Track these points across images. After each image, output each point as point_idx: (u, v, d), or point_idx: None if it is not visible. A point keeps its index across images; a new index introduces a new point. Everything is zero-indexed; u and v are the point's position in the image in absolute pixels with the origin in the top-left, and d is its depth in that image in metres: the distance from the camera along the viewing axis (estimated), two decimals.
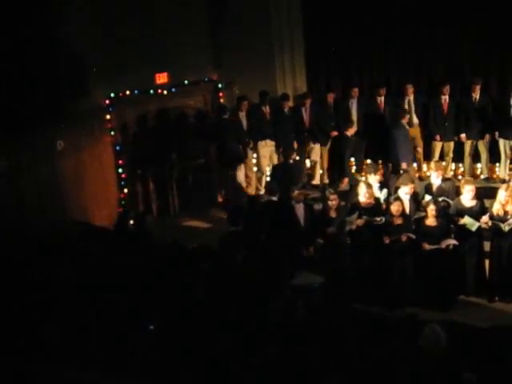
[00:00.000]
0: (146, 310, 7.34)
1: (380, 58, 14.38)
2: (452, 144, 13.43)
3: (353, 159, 14.01)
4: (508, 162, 12.94)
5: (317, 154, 13.97)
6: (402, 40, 13.98)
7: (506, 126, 12.63)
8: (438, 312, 9.33)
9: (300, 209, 10.45)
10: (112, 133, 12.86)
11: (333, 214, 10.22)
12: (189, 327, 6.94)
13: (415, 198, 10.60)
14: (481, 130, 13.12)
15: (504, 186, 10.05)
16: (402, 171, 12.09)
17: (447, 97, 13.16)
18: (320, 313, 7.91)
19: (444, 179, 11.18)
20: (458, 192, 10.52)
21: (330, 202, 10.26)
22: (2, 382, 6.24)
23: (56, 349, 6.65)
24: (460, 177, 13.39)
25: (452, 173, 13.68)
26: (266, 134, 13.61)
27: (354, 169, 14.07)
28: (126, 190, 13.14)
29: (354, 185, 11.77)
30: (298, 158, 13.52)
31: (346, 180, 12.91)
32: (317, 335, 6.93)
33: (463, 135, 13.24)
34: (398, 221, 9.92)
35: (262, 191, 13.57)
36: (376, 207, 10.30)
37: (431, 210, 9.80)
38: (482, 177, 13.46)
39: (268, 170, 13.82)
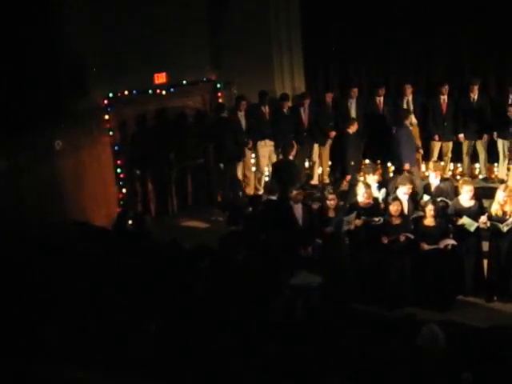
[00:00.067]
0: (146, 309, 7.34)
1: (378, 58, 14.41)
2: (451, 144, 13.46)
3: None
4: (506, 162, 12.96)
5: (316, 153, 14.00)
6: (401, 40, 14.01)
7: (505, 126, 12.66)
8: (436, 312, 9.33)
9: (298, 209, 10.44)
10: (110, 133, 12.84)
11: (331, 214, 10.23)
12: (189, 327, 6.95)
13: (413, 198, 10.62)
14: (479, 130, 13.15)
15: (502, 186, 10.07)
16: (405, 172, 12.12)
17: (446, 97, 13.19)
18: (319, 313, 7.92)
19: (442, 179, 11.19)
20: (456, 192, 10.53)
21: (328, 202, 10.26)
22: (2, 382, 6.24)
23: (56, 349, 6.66)
24: (458, 177, 13.42)
25: (450, 173, 13.71)
26: (265, 134, 13.63)
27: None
28: (124, 190, 13.12)
29: (352, 185, 11.80)
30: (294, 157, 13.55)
31: (348, 177, 12.87)
32: (316, 335, 6.94)
33: (461, 135, 13.28)
34: (397, 221, 9.92)
35: (261, 191, 13.60)
36: (374, 207, 10.31)
37: (429, 209, 9.80)
38: (481, 177, 13.49)
39: (267, 170, 13.85)
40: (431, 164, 11.62)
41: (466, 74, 13.68)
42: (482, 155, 13.35)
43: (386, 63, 14.37)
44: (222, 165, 13.31)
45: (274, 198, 11.06)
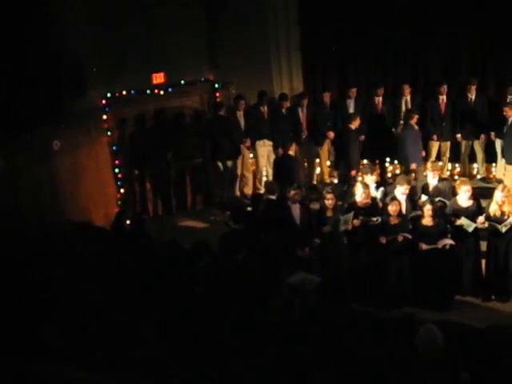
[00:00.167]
0: (146, 309, 7.35)
1: (377, 58, 14.42)
2: (449, 144, 13.48)
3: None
4: (504, 161, 12.97)
5: (314, 153, 14.03)
6: (399, 40, 14.01)
7: (503, 126, 12.67)
8: (435, 312, 9.34)
9: (296, 209, 10.47)
10: (109, 133, 12.85)
11: (329, 214, 10.25)
12: (189, 327, 6.96)
13: (411, 198, 10.64)
14: (476, 130, 13.17)
15: (500, 186, 10.05)
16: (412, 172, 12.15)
17: (445, 97, 13.20)
18: (317, 313, 7.92)
19: (440, 179, 11.22)
20: (454, 192, 10.55)
21: (326, 202, 10.28)
22: (2, 382, 6.25)
23: (56, 349, 6.66)
24: (456, 177, 13.44)
25: (448, 173, 13.73)
26: (263, 134, 13.65)
27: None
28: (122, 190, 13.13)
29: (350, 184, 11.82)
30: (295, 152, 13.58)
31: (353, 173, 12.88)
32: (316, 335, 6.95)
33: (459, 135, 13.30)
34: (395, 221, 9.94)
35: (262, 190, 13.59)
36: (373, 207, 10.32)
37: (428, 209, 9.81)
38: (479, 177, 13.51)
39: (265, 170, 13.86)
40: (429, 164, 11.65)
41: (464, 74, 13.70)
42: (480, 155, 13.37)
43: (384, 63, 14.38)
44: (220, 164, 13.33)
45: (273, 197, 11.07)
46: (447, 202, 10.34)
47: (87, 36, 11.92)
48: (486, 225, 9.76)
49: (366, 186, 10.49)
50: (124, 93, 12.81)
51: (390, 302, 9.74)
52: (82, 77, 11.98)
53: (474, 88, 13.02)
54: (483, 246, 10.10)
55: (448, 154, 13.54)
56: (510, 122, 12.38)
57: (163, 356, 6.44)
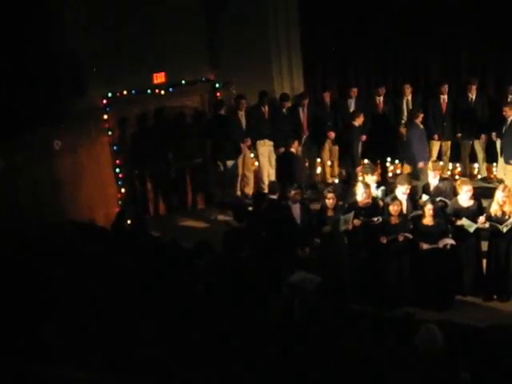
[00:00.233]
0: (146, 309, 7.35)
1: (376, 58, 14.42)
2: (449, 144, 13.47)
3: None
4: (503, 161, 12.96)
5: (315, 153, 14.02)
6: (399, 40, 14.01)
7: (502, 125, 12.66)
8: (435, 312, 9.33)
9: (296, 209, 10.46)
10: (109, 133, 12.86)
11: (330, 214, 10.24)
12: (189, 327, 6.96)
13: (412, 198, 10.63)
14: (477, 130, 13.16)
15: (501, 186, 10.02)
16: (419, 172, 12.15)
17: (446, 96, 13.20)
18: (317, 313, 7.92)
19: (441, 179, 11.20)
20: (455, 192, 10.54)
21: (327, 201, 10.27)
22: (2, 382, 6.25)
23: (56, 349, 6.67)
24: (457, 177, 13.43)
25: (449, 173, 13.72)
26: (264, 134, 13.64)
27: None
28: (123, 190, 13.14)
29: (351, 184, 11.81)
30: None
31: (359, 169, 12.87)
32: (316, 335, 6.95)
33: (459, 135, 13.29)
34: (396, 220, 9.93)
35: (266, 189, 13.56)
36: (374, 207, 10.32)
37: (428, 209, 9.80)
38: (480, 177, 13.50)
39: (266, 170, 13.85)
40: (430, 164, 11.62)
41: (464, 74, 13.70)
42: (481, 155, 13.37)
43: (384, 63, 14.38)
44: (220, 164, 13.33)
45: (274, 197, 11.07)
46: (448, 202, 10.32)
47: (87, 36, 11.92)
48: (487, 225, 9.74)
49: (366, 185, 10.47)
50: (125, 93, 12.81)
51: (390, 302, 9.72)
52: (82, 77, 11.98)
53: (474, 88, 13.02)
54: (484, 245, 10.09)
55: (449, 154, 13.53)
56: (509, 122, 12.37)
57: (163, 356, 6.44)
